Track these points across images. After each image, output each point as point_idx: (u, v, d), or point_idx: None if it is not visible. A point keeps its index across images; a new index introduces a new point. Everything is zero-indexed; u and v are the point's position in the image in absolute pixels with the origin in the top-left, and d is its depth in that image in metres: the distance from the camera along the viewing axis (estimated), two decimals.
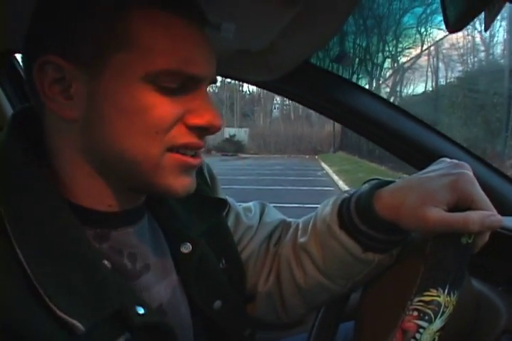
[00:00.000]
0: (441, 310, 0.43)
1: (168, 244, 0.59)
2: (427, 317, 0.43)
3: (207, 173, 0.70)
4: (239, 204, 0.74)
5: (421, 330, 0.43)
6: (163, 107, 0.47)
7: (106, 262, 0.49)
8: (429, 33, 17.79)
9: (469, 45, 10.82)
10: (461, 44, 10.83)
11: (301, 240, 0.65)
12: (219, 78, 0.74)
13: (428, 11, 17.10)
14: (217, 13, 0.61)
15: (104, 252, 0.50)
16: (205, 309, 0.60)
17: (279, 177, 11.43)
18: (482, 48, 10.64)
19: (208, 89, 0.52)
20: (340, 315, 0.76)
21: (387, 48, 17.89)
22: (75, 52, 0.46)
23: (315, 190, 8.70)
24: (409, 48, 18.28)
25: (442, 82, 10.24)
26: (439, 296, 0.44)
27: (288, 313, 0.68)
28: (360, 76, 17.50)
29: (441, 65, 10.62)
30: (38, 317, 0.41)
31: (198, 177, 0.56)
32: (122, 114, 0.46)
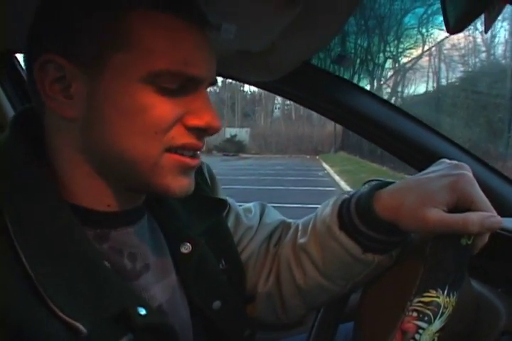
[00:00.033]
0: (441, 311, 0.43)
1: (167, 244, 0.59)
2: (426, 318, 0.43)
3: (207, 173, 0.70)
4: (239, 204, 0.74)
5: (420, 331, 0.43)
6: (162, 108, 0.47)
7: (106, 263, 0.49)
8: (431, 34, 17.78)
9: (470, 46, 10.80)
10: (462, 45, 10.80)
11: (301, 241, 0.65)
12: (220, 78, 0.74)
13: (429, 12, 17.07)
14: (218, 14, 0.61)
15: (105, 252, 0.50)
16: (204, 309, 0.60)
17: (280, 178, 11.43)
18: (483, 49, 10.62)
19: (208, 89, 0.53)
20: (339, 316, 0.76)
21: (388, 49, 17.90)
22: (75, 52, 0.47)
23: (317, 190, 8.70)
24: (410, 49, 18.31)
25: (444, 82, 10.25)
26: (438, 297, 0.44)
27: (288, 314, 0.68)
28: (362, 76, 17.52)
29: (442, 65, 10.63)
30: (40, 317, 0.41)
31: (198, 177, 0.56)
32: (122, 114, 0.47)
